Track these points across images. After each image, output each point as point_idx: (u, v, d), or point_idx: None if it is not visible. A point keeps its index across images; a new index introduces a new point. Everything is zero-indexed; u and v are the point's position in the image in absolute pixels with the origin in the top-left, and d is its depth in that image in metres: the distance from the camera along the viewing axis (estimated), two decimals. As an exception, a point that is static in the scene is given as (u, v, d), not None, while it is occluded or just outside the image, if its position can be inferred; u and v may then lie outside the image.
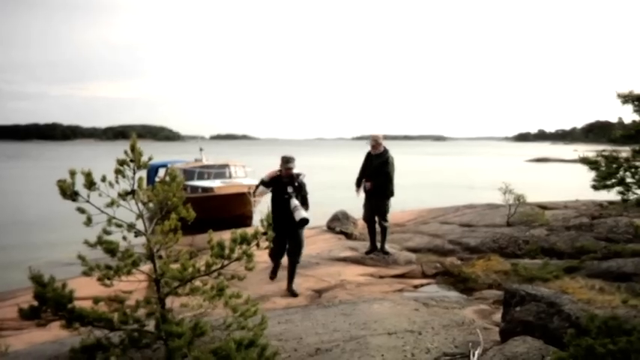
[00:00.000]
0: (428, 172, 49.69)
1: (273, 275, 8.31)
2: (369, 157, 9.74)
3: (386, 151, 9.62)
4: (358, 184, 9.78)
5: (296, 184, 7.89)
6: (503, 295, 5.33)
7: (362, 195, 9.79)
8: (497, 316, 5.61)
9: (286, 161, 7.92)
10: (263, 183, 8.06)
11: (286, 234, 7.65)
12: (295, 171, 8.02)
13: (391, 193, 9.59)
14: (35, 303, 3.33)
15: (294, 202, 7.63)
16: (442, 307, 6.35)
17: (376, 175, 9.51)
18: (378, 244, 9.93)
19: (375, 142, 9.62)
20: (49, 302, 3.30)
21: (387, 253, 9.72)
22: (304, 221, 7.56)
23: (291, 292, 7.64)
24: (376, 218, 9.69)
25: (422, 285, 8.59)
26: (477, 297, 7.68)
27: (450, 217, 15.13)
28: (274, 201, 7.87)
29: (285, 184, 7.83)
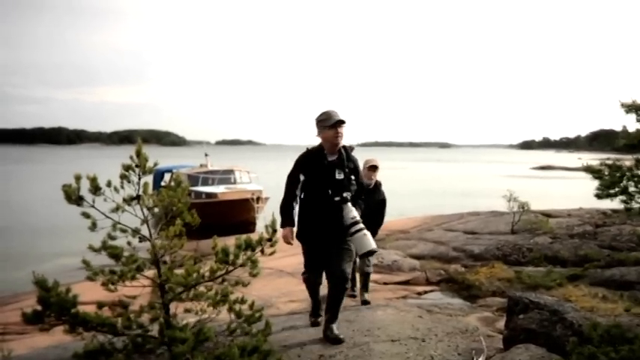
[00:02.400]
0: (432, 179, 49.69)
1: (313, 317, 5.52)
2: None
3: (379, 183, 7.04)
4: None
5: (350, 165, 5.12)
6: (506, 303, 5.32)
7: None
8: (501, 324, 5.59)
9: (327, 117, 4.99)
10: (289, 213, 5.14)
11: (328, 245, 5.01)
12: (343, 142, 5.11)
13: None
14: (39, 307, 3.34)
15: (352, 212, 4.93)
16: (446, 314, 6.34)
17: (374, 214, 6.62)
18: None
19: (374, 169, 6.89)
20: (53, 307, 3.31)
21: (367, 302, 6.80)
22: (372, 252, 5.14)
23: (331, 337, 4.88)
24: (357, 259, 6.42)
25: (426, 292, 8.58)
26: (481, 304, 7.67)
27: (454, 225, 15.13)
28: (311, 198, 5.07)
29: (331, 168, 5.01)
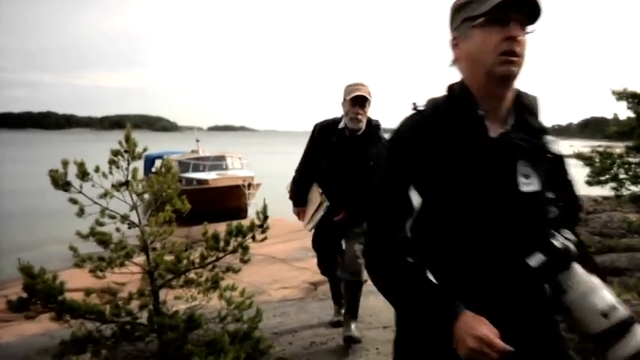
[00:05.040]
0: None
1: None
2: (340, 143, 4.26)
3: (376, 126, 4.27)
4: (298, 196, 4.62)
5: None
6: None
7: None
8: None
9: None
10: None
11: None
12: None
13: None
14: (24, 295, 3.28)
15: (599, 293, 1.47)
16: (437, 301, 6.33)
17: (358, 184, 3.88)
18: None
19: (362, 102, 4.13)
20: (39, 294, 3.25)
21: (354, 339, 4.37)
22: None
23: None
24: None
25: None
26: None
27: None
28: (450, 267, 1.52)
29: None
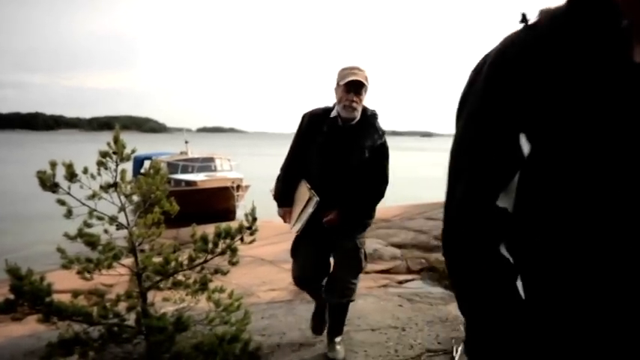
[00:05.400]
0: (415, 167, 49.88)
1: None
2: (332, 133, 3.82)
3: (372, 115, 3.89)
4: (284, 195, 4.11)
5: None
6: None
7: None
8: (481, 313, 5.59)
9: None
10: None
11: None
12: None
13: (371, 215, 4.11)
14: (11, 296, 3.26)
15: None
16: (426, 303, 6.34)
17: (365, 174, 3.81)
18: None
19: (358, 88, 3.71)
20: (26, 295, 3.24)
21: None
22: None
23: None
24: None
25: (406, 281, 8.58)
26: (461, 293, 7.68)
27: (436, 213, 15.13)
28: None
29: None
